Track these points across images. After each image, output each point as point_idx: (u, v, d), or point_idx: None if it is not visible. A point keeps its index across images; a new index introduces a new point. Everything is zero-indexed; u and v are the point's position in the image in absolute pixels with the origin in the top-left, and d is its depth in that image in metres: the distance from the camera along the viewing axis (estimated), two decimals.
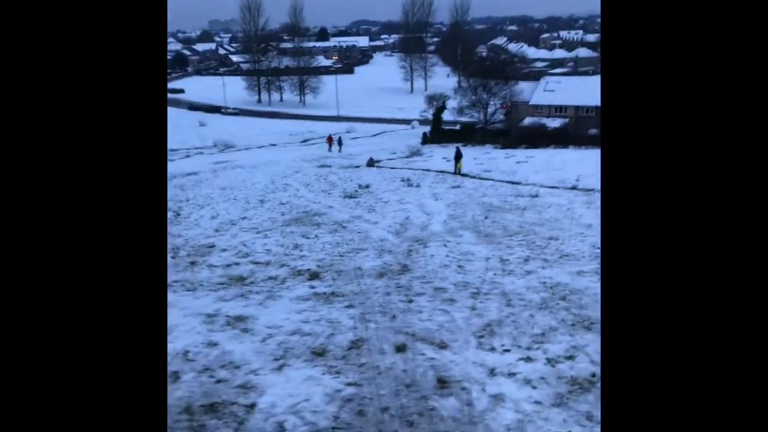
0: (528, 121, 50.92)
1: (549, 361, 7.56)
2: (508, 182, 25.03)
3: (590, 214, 17.11)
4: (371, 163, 37.62)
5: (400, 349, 7.94)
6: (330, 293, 10.36)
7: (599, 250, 12.63)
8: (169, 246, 15.00)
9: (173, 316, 9.29)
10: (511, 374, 7.25)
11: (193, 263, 13.21)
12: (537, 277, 10.92)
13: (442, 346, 8.03)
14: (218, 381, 7.27)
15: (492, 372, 7.31)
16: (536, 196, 20.84)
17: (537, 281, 10.61)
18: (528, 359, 7.61)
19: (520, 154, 36.33)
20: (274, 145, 54.47)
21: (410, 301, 9.68)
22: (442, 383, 7.04)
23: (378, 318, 8.93)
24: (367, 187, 23.85)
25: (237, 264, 12.96)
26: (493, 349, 7.90)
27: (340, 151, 42.69)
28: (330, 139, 45.28)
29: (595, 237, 14.14)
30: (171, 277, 12.11)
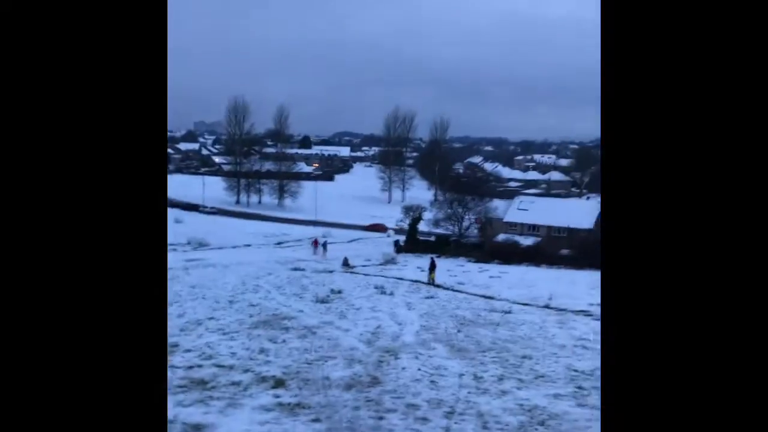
0: (501, 237, 51.81)
1: None
2: (481, 296, 24.93)
3: (563, 334, 16.91)
4: (346, 262, 37.60)
5: None
6: (295, 404, 9.79)
7: (575, 373, 12.33)
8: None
9: None
10: None
11: None
12: (513, 397, 10.51)
13: None
14: None
15: None
16: (509, 312, 20.68)
17: (513, 402, 10.19)
18: None
19: (494, 268, 36.60)
20: (249, 245, 54.20)
21: (380, 418, 9.15)
22: None
23: None
24: (340, 292, 23.52)
25: (200, 366, 12.34)
26: None
27: (325, 255, 42.77)
28: (316, 243, 45.57)
29: (569, 358, 13.86)
30: None
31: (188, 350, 13.73)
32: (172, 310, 19.02)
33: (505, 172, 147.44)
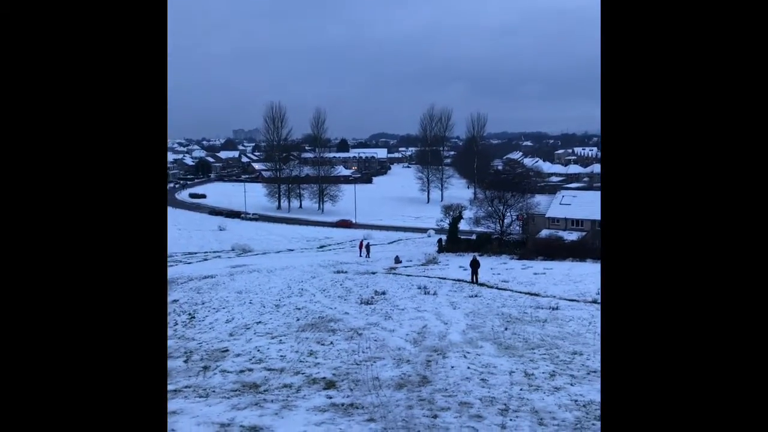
0: (544, 233, 51.10)
1: None
2: (526, 293, 24.65)
3: None
4: (397, 260, 38.35)
5: None
6: (348, 404, 9.86)
7: None
8: (182, 350, 14.64)
9: (185, 424, 8.83)
10: None
11: (205, 368, 12.80)
12: (567, 393, 10.35)
13: None
14: None
15: None
16: (556, 308, 20.38)
17: (567, 399, 10.04)
18: None
19: (538, 265, 36.11)
20: (292, 250, 54.85)
21: (435, 417, 9.13)
22: None
23: None
24: (384, 293, 23.57)
25: (250, 370, 12.54)
26: None
27: (368, 256, 43.38)
28: (362, 245, 46.16)
29: None
30: (183, 382, 11.69)
31: (239, 354, 13.96)
32: (219, 316, 19.39)
33: (546, 166, 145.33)
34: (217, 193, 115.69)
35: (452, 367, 12.41)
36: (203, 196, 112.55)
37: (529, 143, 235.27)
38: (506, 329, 16.70)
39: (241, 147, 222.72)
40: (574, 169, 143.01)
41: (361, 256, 44.33)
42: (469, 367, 12.36)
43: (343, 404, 9.87)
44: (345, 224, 80.00)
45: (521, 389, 10.70)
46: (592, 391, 10.45)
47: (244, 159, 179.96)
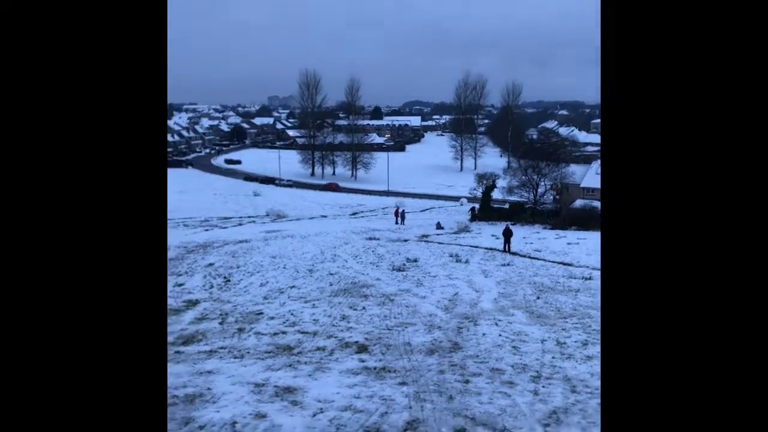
0: (579, 203, 50.31)
1: None
2: (559, 263, 24.42)
3: None
4: (439, 226, 39.39)
5: None
6: (381, 368, 9.98)
7: None
8: (217, 312, 14.97)
9: (221, 384, 9.07)
10: None
11: (240, 330, 13.07)
12: (599, 363, 10.29)
13: None
14: None
15: None
16: (590, 278, 20.16)
17: (600, 368, 9.99)
18: None
19: (571, 235, 35.66)
20: (325, 216, 55.22)
21: (467, 382, 9.19)
22: None
23: (434, 398, 8.47)
24: (416, 261, 23.62)
25: (284, 333, 12.76)
26: None
27: (403, 223, 43.71)
28: (397, 212, 46.48)
29: None
30: (218, 343, 11.98)
31: (272, 318, 14.22)
32: (254, 280, 19.72)
33: (582, 136, 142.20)
34: (252, 159, 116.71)
35: (483, 334, 12.43)
36: (238, 162, 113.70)
37: (564, 112, 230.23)
38: (538, 298, 16.63)
39: (275, 114, 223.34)
40: None
41: (397, 223, 44.59)
42: (500, 335, 12.37)
43: (375, 368, 10.00)
44: (331, 188, 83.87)
45: (553, 357, 10.68)
46: None
47: (279, 126, 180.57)
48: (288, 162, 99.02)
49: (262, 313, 14.73)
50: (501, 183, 54.39)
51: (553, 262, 24.83)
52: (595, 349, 11.25)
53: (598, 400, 8.41)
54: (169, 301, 15.63)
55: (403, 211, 47.72)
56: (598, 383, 9.14)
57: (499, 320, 13.79)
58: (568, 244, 31.11)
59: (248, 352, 11.25)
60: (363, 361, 10.47)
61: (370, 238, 32.91)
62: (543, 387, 8.97)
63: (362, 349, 11.35)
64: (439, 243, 31.55)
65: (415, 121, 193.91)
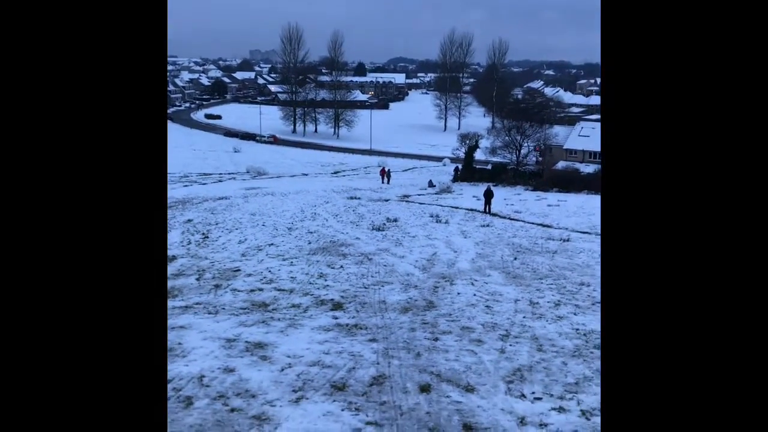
0: (561, 164, 50.52)
1: (583, 413, 7.10)
2: (538, 224, 24.61)
3: None
4: (431, 184, 39.42)
5: (425, 389, 7.58)
6: (353, 325, 10.07)
7: None
8: (194, 268, 14.93)
9: (192, 339, 9.10)
10: (543, 425, 6.82)
11: (217, 286, 13.08)
12: (569, 323, 10.48)
13: (469, 389, 7.64)
14: (232, 410, 7.00)
15: (522, 421, 6.89)
16: (567, 240, 20.37)
17: (569, 327, 10.17)
18: (561, 409, 7.17)
19: (552, 197, 35.89)
20: (306, 174, 54.92)
21: (436, 339, 9.32)
22: (468, 429, 6.65)
23: (402, 354, 8.59)
24: (396, 221, 23.66)
25: (261, 290, 12.80)
26: (523, 396, 7.49)
27: (389, 183, 43.78)
28: (383, 172, 46.44)
29: None
30: (194, 299, 11.98)
31: (250, 275, 14.23)
32: (232, 237, 19.65)
33: (567, 97, 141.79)
34: (233, 114, 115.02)
35: (458, 293, 12.57)
36: (219, 117, 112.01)
37: (551, 72, 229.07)
38: (515, 259, 16.79)
39: (257, 68, 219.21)
40: (595, 100, 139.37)
41: (383, 183, 44.67)
42: (475, 295, 12.51)
43: (347, 325, 10.09)
44: (273, 141, 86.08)
45: (524, 317, 10.85)
46: (594, 321, 10.57)
47: (260, 81, 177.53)
48: (269, 118, 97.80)
49: (239, 270, 14.73)
50: (484, 143, 54.30)
51: (533, 223, 25.02)
52: (566, 309, 11.45)
53: (563, 359, 8.61)
54: None
55: (389, 170, 47.69)
56: (565, 342, 9.33)
57: (475, 280, 13.93)
58: (549, 205, 31.31)
59: (223, 308, 11.28)
60: (336, 318, 10.55)
61: (351, 198, 32.85)
62: (510, 345, 9.13)
63: (337, 306, 11.43)
64: (420, 203, 31.60)
65: (399, 78, 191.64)
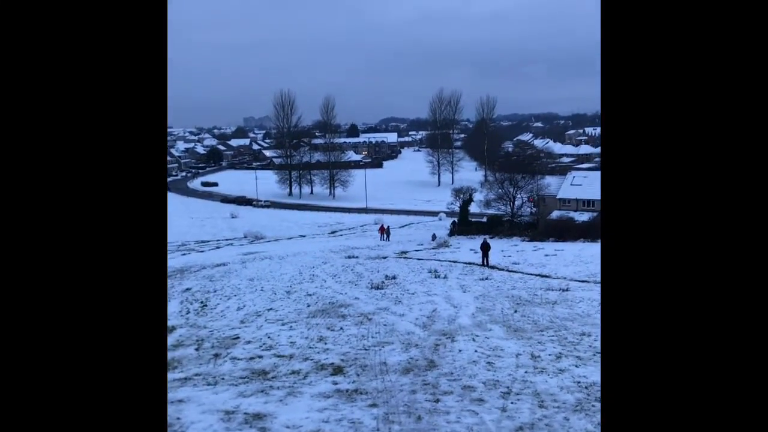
0: (556, 214, 50.85)
1: None
2: (537, 275, 24.63)
3: None
4: (434, 237, 40.95)
5: None
6: (353, 390, 9.96)
7: None
8: (194, 338, 14.82)
9: (190, 413, 8.97)
10: None
11: (216, 356, 12.96)
12: (570, 375, 10.38)
13: None
14: None
15: None
16: (567, 290, 20.35)
17: (571, 380, 10.07)
18: None
19: (549, 247, 36.00)
20: (303, 236, 55.07)
21: (437, 401, 9.21)
22: None
23: (402, 419, 8.47)
24: (394, 278, 23.64)
25: (260, 357, 12.68)
26: None
27: (388, 239, 44.17)
28: (382, 229, 46.91)
29: None
30: (193, 370, 11.86)
31: (249, 342, 14.11)
32: (231, 303, 19.58)
33: (557, 147, 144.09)
34: (229, 180, 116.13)
35: (460, 350, 12.47)
36: (215, 184, 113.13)
37: (539, 124, 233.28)
38: (516, 311, 16.73)
39: (251, 134, 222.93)
40: (585, 149, 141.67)
41: (382, 239, 44.99)
42: (476, 351, 12.41)
43: (347, 390, 9.98)
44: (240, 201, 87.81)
45: (526, 372, 10.74)
46: (596, 372, 10.46)
47: (255, 146, 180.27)
48: (265, 182, 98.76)
49: (238, 338, 14.62)
50: (478, 196, 54.84)
51: (531, 274, 25.04)
52: (568, 362, 11.35)
53: (565, 414, 8.49)
54: None
55: (388, 227, 48.12)
56: (566, 397, 9.22)
57: (477, 336, 13.84)
58: (546, 255, 31.40)
59: (222, 378, 11.15)
60: (336, 383, 10.43)
61: (349, 257, 32.88)
62: (512, 403, 9.02)
63: (337, 370, 11.31)
64: (418, 259, 31.63)
65: (391, 137, 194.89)
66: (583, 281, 22.52)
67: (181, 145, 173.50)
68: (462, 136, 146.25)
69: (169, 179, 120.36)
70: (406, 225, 61.46)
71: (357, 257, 32.53)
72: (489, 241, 31.28)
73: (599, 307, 16.89)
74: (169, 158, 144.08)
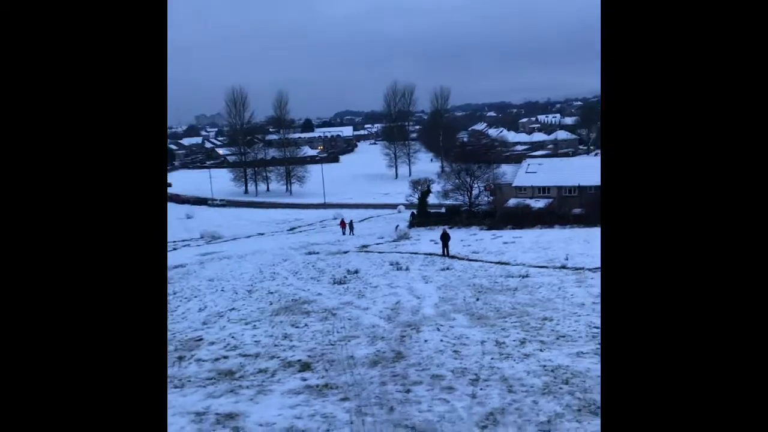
0: (512, 202, 51.71)
1: None
2: (497, 263, 25.02)
3: (582, 293, 16.98)
4: (397, 228, 41.41)
5: None
6: (323, 385, 9.96)
7: (596, 330, 12.40)
8: None
9: None
10: None
11: (180, 358, 12.75)
12: (536, 360, 10.62)
13: None
14: None
15: None
16: (526, 276, 20.77)
17: (537, 365, 10.30)
18: None
19: (507, 234, 36.60)
20: (262, 234, 54.50)
21: (408, 391, 9.30)
22: None
23: (375, 411, 8.52)
24: (356, 272, 23.67)
25: (226, 357, 12.54)
26: None
27: (352, 233, 44.05)
28: (343, 224, 46.72)
29: (589, 316, 13.94)
30: None
31: (213, 343, 13.93)
32: (192, 305, 19.26)
33: (511, 136, 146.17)
34: (183, 180, 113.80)
35: (426, 341, 12.59)
36: (168, 185, 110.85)
37: (493, 113, 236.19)
38: (478, 300, 16.97)
39: (204, 133, 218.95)
40: (538, 137, 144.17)
41: (344, 234, 44.85)
42: (442, 340, 12.55)
43: (317, 385, 9.97)
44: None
45: (492, 358, 10.93)
46: (560, 356, 10.73)
47: (208, 145, 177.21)
48: (220, 181, 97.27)
49: (202, 339, 14.41)
50: (436, 188, 55.29)
51: (491, 262, 25.43)
52: (532, 347, 11.59)
53: (534, 398, 8.69)
54: None
55: (351, 221, 47.93)
56: (534, 381, 9.44)
57: (441, 325, 13.99)
58: (504, 243, 31.91)
59: (189, 380, 10.99)
60: (305, 379, 10.41)
61: (310, 253, 32.74)
62: (481, 390, 9.17)
63: (305, 367, 11.28)
64: (380, 252, 31.73)
65: (347, 131, 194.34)
66: (542, 267, 23.00)
67: None
68: (417, 127, 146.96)
69: None
70: (365, 219, 61.50)
71: (318, 253, 32.41)
72: (448, 231, 31.60)
73: (559, 292, 17.36)
74: None
